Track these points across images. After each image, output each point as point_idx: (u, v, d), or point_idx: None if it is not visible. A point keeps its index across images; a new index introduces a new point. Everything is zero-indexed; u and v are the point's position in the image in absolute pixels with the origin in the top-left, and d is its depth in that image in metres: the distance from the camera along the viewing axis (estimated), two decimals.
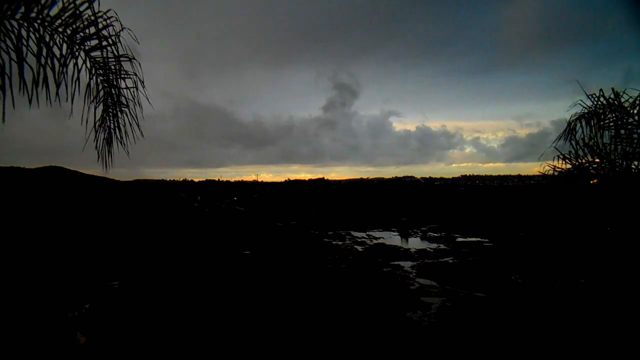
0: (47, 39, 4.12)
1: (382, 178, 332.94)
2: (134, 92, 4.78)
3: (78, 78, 4.22)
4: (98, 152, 4.80)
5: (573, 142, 6.38)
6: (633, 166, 6.22)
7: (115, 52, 4.41)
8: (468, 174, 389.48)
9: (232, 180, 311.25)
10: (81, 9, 4.15)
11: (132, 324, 26.56)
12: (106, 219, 69.78)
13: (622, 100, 6.22)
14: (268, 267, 31.56)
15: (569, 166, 6.41)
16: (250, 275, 29.49)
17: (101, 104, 4.70)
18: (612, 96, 6.27)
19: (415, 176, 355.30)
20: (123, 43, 4.48)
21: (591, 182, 6.67)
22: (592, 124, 6.31)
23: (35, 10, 4.07)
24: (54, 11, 4.20)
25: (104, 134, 4.80)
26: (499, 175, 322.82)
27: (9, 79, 3.99)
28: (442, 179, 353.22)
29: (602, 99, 6.27)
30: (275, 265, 32.93)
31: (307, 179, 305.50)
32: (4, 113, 4.01)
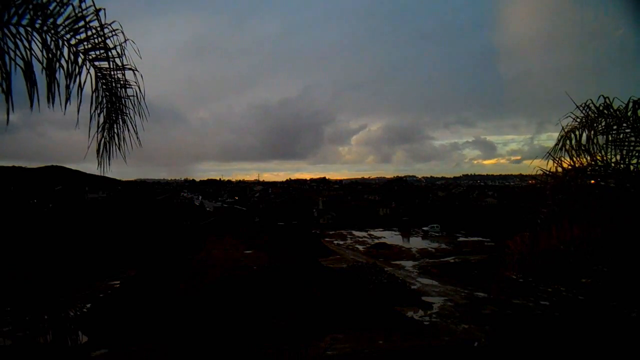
0: (53, 46, 4.19)
1: (384, 177, 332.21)
2: (134, 101, 4.84)
3: (83, 87, 4.30)
4: (98, 159, 4.86)
5: (568, 147, 6.47)
6: (631, 167, 6.28)
7: (120, 62, 4.49)
8: (469, 174, 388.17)
9: (234, 180, 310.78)
10: (87, 19, 4.22)
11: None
12: (111, 217, 69.84)
13: (615, 107, 6.31)
14: (269, 268, 31.61)
15: (560, 169, 6.51)
16: (252, 276, 29.54)
17: (103, 112, 4.77)
18: (603, 104, 6.36)
19: (417, 175, 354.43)
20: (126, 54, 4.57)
21: (589, 182, 6.73)
22: (586, 132, 6.41)
23: (42, 17, 4.14)
24: (60, 20, 4.27)
25: (104, 141, 4.86)
26: (500, 175, 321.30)
27: (6, 81, 4.05)
28: (443, 178, 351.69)
29: (592, 106, 6.36)
30: (276, 265, 32.95)
31: (308, 178, 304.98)
32: (8, 116, 4.07)
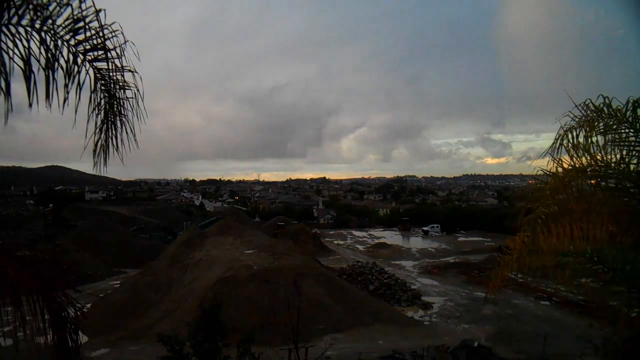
0: (53, 47, 4.18)
1: (384, 177, 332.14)
2: (132, 102, 4.82)
3: (81, 87, 4.30)
4: (94, 159, 4.86)
5: (568, 147, 6.50)
6: (631, 167, 6.30)
7: (119, 64, 4.48)
8: (469, 174, 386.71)
9: (234, 180, 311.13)
10: (87, 20, 4.21)
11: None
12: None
13: (614, 107, 6.34)
14: (269, 267, 31.55)
15: (560, 169, 6.56)
16: (252, 276, 29.47)
17: (101, 113, 4.76)
18: (602, 104, 6.39)
19: (417, 175, 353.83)
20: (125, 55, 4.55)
21: (589, 182, 6.75)
22: (583, 131, 6.45)
23: (42, 17, 4.14)
24: (60, 20, 4.26)
25: (101, 141, 4.84)
26: (500, 175, 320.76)
27: (5, 81, 4.05)
28: (443, 178, 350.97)
29: (591, 105, 6.39)
30: (276, 265, 32.87)
31: (308, 178, 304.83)
32: (7, 115, 4.06)
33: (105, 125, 5.02)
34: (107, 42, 4.47)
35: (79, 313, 5.55)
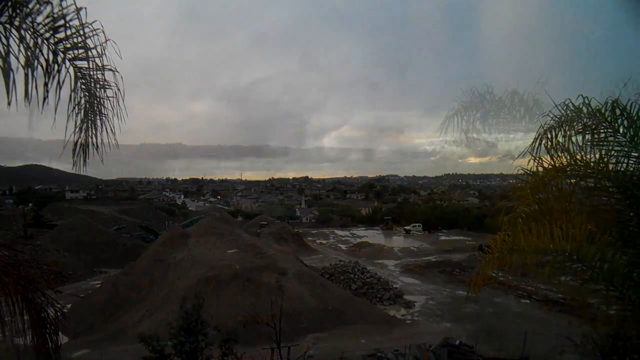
0: (32, 45, 4.13)
1: (366, 176, 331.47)
2: (113, 102, 4.76)
3: (61, 86, 4.24)
4: (74, 158, 4.78)
5: (548, 147, 6.59)
6: (610, 166, 6.40)
7: (100, 62, 4.43)
8: (451, 173, 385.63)
9: (216, 179, 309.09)
10: (67, 18, 4.16)
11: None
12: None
13: (593, 107, 6.45)
14: (251, 267, 31.47)
15: (540, 169, 6.65)
16: (234, 275, 29.36)
17: (81, 112, 4.69)
18: (582, 104, 6.50)
19: (399, 174, 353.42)
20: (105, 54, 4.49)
21: (569, 181, 6.84)
22: (562, 131, 6.55)
23: (21, 15, 4.08)
24: (40, 18, 4.21)
25: (81, 140, 4.77)
26: (482, 174, 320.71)
27: None
28: (425, 177, 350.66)
29: (571, 105, 6.49)
30: (259, 265, 32.79)
31: (291, 177, 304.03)
32: None
33: (85, 124, 4.96)
34: (88, 41, 4.42)
35: (59, 314, 5.50)
